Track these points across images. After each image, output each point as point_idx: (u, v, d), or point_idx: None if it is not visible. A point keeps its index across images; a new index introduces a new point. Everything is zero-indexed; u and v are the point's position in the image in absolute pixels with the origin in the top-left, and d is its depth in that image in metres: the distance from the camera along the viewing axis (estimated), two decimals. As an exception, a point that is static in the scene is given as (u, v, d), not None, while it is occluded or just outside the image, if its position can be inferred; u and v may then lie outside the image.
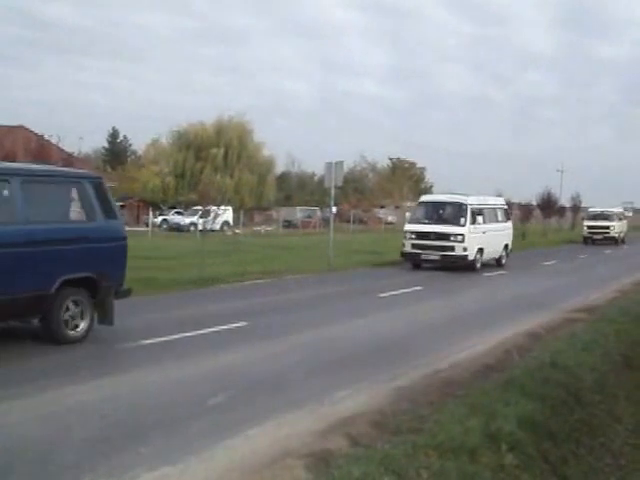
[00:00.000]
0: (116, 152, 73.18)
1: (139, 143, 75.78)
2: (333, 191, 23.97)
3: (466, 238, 22.15)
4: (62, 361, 8.76)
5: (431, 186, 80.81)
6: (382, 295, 15.96)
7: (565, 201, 67.82)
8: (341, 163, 24.22)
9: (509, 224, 26.74)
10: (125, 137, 75.39)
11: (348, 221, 55.72)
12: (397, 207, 68.48)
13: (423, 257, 22.58)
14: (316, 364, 9.08)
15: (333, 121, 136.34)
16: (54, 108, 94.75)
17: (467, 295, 17.37)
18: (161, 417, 6.64)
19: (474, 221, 22.67)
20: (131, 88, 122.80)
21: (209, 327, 11.00)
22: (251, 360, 9.22)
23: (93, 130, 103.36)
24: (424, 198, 25.81)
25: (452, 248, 22.13)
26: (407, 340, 10.91)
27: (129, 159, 72.10)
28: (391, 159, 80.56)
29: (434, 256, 22.34)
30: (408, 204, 66.43)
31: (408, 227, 23.39)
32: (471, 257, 22.50)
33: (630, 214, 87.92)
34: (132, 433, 6.14)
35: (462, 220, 22.55)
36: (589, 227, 44.38)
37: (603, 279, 22.06)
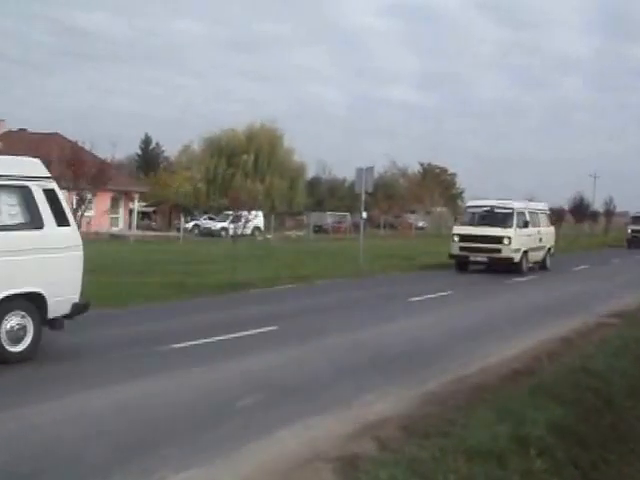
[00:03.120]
0: (148, 159, 73.99)
1: (171, 150, 76.32)
2: (363, 196, 24.00)
3: None
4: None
5: (462, 192, 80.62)
6: (412, 299, 15.90)
7: (599, 206, 67.32)
8: (371, 169, 24.28)
9: None
10: (157, 144, 76.25)
11: (378, 226, 55.78)
12: (428, 212, 68.44)
13: None
14: (345, 367, 9.07)
15: (364, 127, 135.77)
16: (88, 116, 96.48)
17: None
18: (189, 419, 6.69)
19: None
20: (164, 95, 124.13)
21: (239, 331, 11.03)
22: (280, 363, 9.25)
23: (127, 137, 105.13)
24: None
25: None
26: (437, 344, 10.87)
27: (161, 165, 72.79)
28: (422, 164, 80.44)
29: None
30: (439, 209, 66.38)
31: None
32: None
33: None
34: (160, 434, 6.20)
35: None
36: (463, 238, 23.90)
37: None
